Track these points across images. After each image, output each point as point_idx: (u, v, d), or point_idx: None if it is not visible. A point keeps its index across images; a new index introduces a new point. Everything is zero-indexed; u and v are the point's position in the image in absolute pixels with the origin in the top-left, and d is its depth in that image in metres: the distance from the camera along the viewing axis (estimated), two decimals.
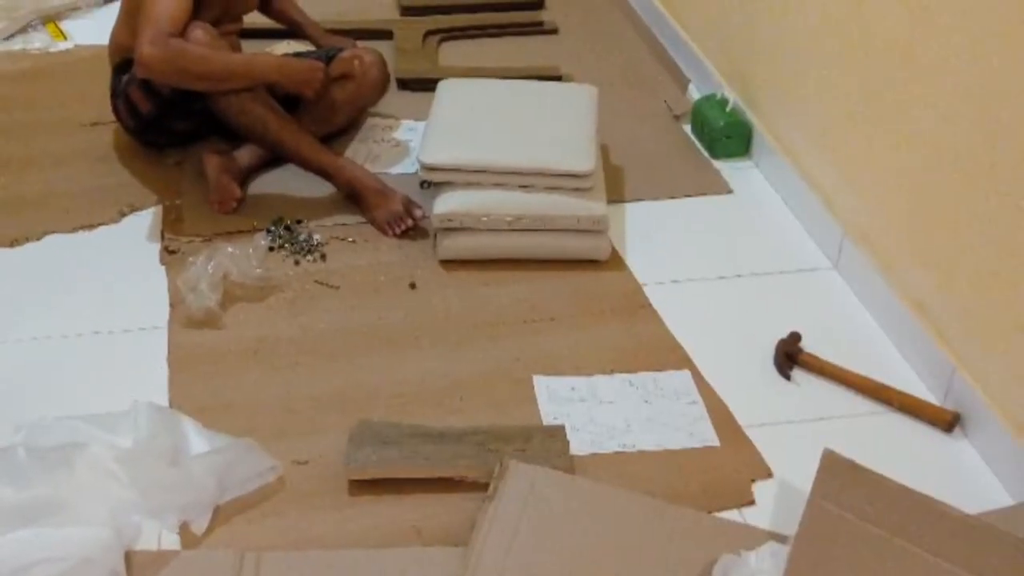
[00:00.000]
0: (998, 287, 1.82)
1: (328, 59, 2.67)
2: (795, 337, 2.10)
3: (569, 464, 1.79)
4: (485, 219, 2.28)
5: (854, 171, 2.27)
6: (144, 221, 2.46)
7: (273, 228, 2.41)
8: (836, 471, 1.62)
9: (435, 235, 2.35)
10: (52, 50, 3.27)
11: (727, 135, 2.74)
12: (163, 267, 2.31)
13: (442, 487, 1.76)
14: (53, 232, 2.42)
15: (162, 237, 2.40)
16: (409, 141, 2.77)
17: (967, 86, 1.86)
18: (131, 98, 2.52)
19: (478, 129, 2.40)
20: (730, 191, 2.63)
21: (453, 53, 3.30)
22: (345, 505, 1.75)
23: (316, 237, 2.40)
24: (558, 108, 2.51)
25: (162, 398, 1.95)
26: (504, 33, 3.42)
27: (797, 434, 1.91)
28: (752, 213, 2.56)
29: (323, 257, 2.35)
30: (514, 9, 3.56)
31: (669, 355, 2.08)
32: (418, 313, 2.19)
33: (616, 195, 2.55)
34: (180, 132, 2.63)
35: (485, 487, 1.72)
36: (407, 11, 3.51)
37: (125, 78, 2.52)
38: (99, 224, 2.45)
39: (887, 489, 1.59)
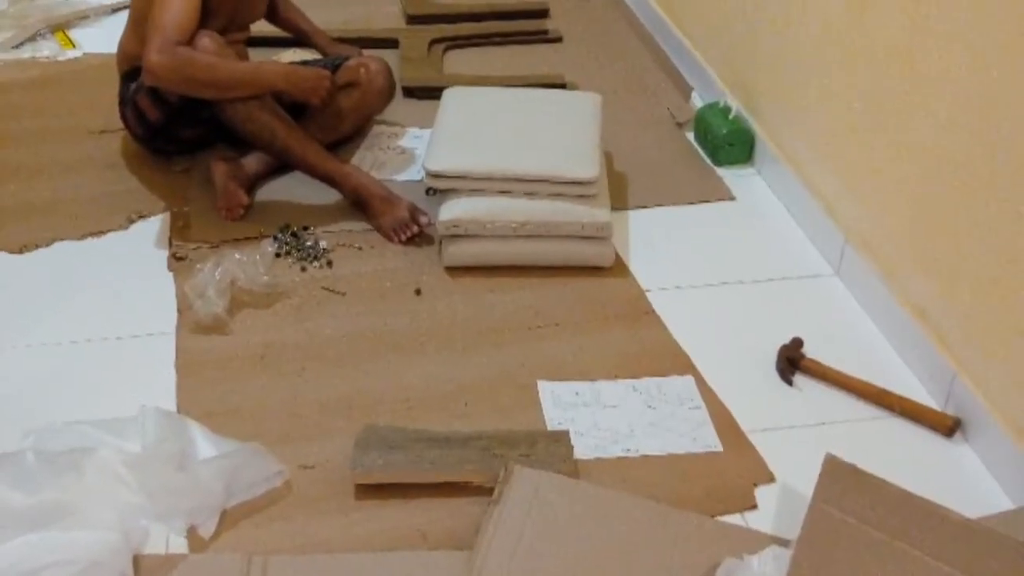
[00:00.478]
0: (998, 293, 1.83)
1: (334, 67, 2.68)
2: (797, 343, 2.11)
3: (573, 469, 1.80)
4: (490, 226, 2.30)
5: (855, 179, 2.29)
6: (152, 228, 2.48)
7: (280, 235, 2.43)
8: (838, 475, 1.63)
9: (440, 242, 2.37)
10: (61, 58, 3.29)
11: (730, 143, 2.76)
12: (171, 273, 2.32)
13: (447, 491, 1.78)
14: (62, 239, 2.43)
15: (170, 244, 2.42)
16: (415, 148, 2.79)
17: (967, 95, 1.87)
18: (139, 106, 2.54)
19: (483, 136, 2.41)
20: (733, 198, 2.65)
21: (458, 61, 3.32)
22: (351, 509, 1.76)
23: (322, 244, 2.41)
24: (562, 116, 2.52)
25: (170, 403, 1.96)
26: (509, 41, 3.44)
27: (799, 439, 1.92)
28: (754, 220, 2.57)
29: (329, 263, 2.37)
30: (519, 18, 3.57)
31: (672, 360, 2.10)
32: (424, 319, 2.21)
33: (620, 202, 2.57)
34: (188, 139, 2.65)
35: (490, 491, 1.73)
36: (413, 20, 3.53)
37: (133, 86, 2.54)
38: (107, 231, 2.47)
39: (888, 493, 1.60)
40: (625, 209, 2.57)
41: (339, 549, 1.69)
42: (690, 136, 2.90)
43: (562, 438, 1.86)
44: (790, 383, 2.05)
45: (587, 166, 2.32)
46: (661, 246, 2.45)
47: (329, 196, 2.54)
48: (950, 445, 1.92)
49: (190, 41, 2.31)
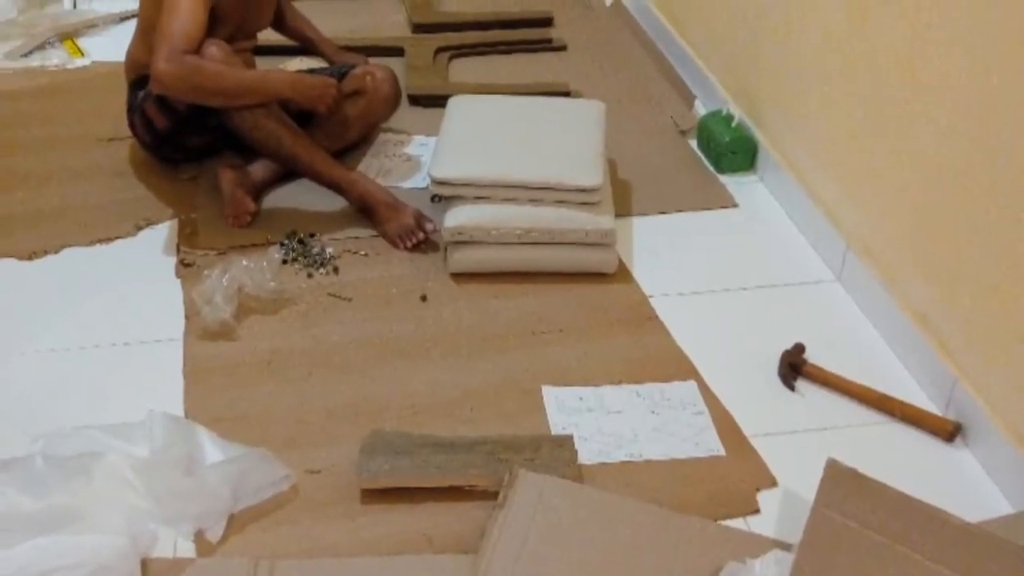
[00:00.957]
0: (999, 299, 1.85)
1: (341, 75, 2.70)
2: (799, 348, 2.12)
3: (577, 473, 1.82)
4: (495, 232, 2.31)
5: (856, 185, 2.30)
6: (160, 235, 2.50)
7: (287, 241, 2.45)
8: (839, 480, 1.63)
9: (446, 248, 2.38)
10: (69, 66, 3.32)
11: (732, 150, 2.77)
12: (179, 280, 2.34)
13: (453, 496, 1.79)
14: (71, 245, 2.45)
15: (178, 250, 2.43)
16: (420, 156, 2.80)
17: (967, 102, 1.88)
18: (147, 114, 2.56)
19: (488, 144, 2.43)
20: (735, 205, 2.66)
21: (463, 70, 3.33)
22: (357, 514, 1.77)
23: (329, 250, 2.43)
24: (567, 123, 2.53)
25: (177, 408, 1.98)
26: (513, 50, 3.46)
27: (801, 444, 1.93)
28: (757, 227, 2.59)
29: (336, 270, 2.38)
30: (523, 26, 3.59)
31: (675, 366, 2.11)
32: (429, 325, 2.22)
33: (623, 209, 2.58)
34: (195, 147, 2.67)
35: (495, 496, 1.75)
36: (418, 28, 3.55)
37: (141, 94, 2.56)
38: (116, 238, 2.48)
39: (890, 498, 1.60)
40: (629, 216, 2.58)
41: (345, 553, 1.70)
42: (693, 144, 2.91)
43: (566, 443, 1.87)
44: (792, 388, 2.06)
45: (591, 174, 2.33)
46: (664, 253, 2.47)
47: (335, 203, 2.56)
48: (951, 450, 1.93)
49: (198, 49, 2.33)
